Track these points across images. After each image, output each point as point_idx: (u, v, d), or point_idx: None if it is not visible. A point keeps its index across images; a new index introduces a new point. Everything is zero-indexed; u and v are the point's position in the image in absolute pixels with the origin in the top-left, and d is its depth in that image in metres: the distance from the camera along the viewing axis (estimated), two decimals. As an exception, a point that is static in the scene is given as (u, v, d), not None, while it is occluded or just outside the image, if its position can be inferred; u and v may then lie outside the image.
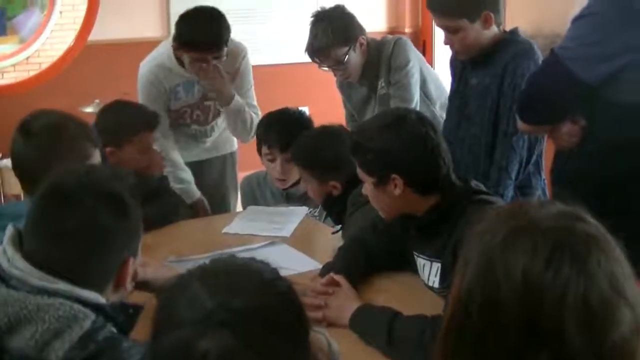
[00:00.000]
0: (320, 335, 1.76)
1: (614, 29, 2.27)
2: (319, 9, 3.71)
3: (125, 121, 3.29)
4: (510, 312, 1.14)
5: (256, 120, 3.82)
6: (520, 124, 2.64)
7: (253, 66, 3.96)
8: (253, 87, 3.97)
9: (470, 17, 2.96)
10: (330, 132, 3.13)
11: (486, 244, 1.20)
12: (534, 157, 3.08)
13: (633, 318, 1.14)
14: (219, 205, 4.05)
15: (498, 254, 1.17)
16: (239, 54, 3.86)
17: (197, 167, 4.01)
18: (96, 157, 2.37)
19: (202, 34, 3.56)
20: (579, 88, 2.35)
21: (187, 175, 3.90)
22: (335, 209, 3.04)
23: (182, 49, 3.61)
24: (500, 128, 3.00)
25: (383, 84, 3.70)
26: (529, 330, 1.13)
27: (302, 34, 3.73)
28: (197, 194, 3.92)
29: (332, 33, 3.59)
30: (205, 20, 3.59)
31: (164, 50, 3.75)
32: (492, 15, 2.98)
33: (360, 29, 3.70)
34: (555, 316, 1.12)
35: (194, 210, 3.85)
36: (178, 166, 3.86)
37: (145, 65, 3.81)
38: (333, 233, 3.03)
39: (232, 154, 4.23)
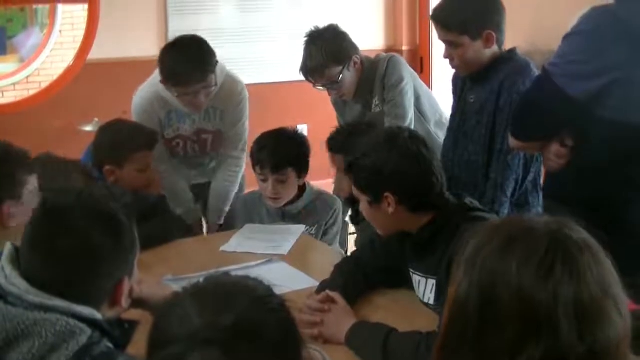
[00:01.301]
0: (316, 353, 1.78)
1: (600, 47, 2.29)
2: (312, 29, 3.73)
3: (125, 140, 3.29)
4: (507, 310, 1.19)
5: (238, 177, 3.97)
6: (511, 140, 2.65)
7: (252, 84, 3.96)
8: (247, 125, 3.90)
9: (471, 35, 2.97)
10: (370, 125, 3.23)
11: (483, 249, 1.25)
12: (532, 175, 3.09)
13: (622, 323, 1.20)
14: (227, 226, 4.04)
15: (495, 259, 1.23)
16: (238, 91, 3.83)
17: (200, 190, 4.02)
18: (32, 183, 2.38)
19: (184, 68, 3.48)
20: (567, 104, 2.37)
21: (184, 202, 3.92)
22: (357, 206, 3.03)
23: (167, 84, 3.55)
24: (495, 146, 3.01)
25: (377, 102, 3.71)
26: (526, 325, 1.18)
27: (300, 52, 3.75)
28: (196, 218, 3.98)
29: (325, 53, 3.61)
30: (186, 53, 3.51)
31: (158, 79, 3.64)
32: (494, 35, 2.99)
33: (353, 48, 3.72)
34: (550, 312, 1.17)
35: (193, 232, 3.90)
36: (178, 192, 3.89)
37: (139, 94, 3.78)
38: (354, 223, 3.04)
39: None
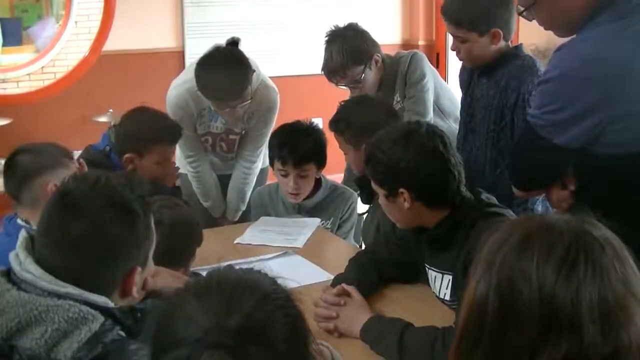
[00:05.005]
0: (324, 348, 1.76)
1: (572, 92, 2.19)
2: (332, 28, 3.69)
3: (148, 130, 3.23)
4: (527, 309, 1.15)
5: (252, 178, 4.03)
6: (515, 190, 2.60)
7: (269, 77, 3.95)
8: (270, 132, 3.80)
9: (480, 31, 3.00)
10: (365, 99, 3.24)
11: (502, 248, 1.22)
12: None
13: None
14: (242, 218, 4.06)
15: (514, 257, 1.19)
16: (269, 99, 3.85)
17: (226, 180, 4.06)
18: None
19: (221, 89, 3.53)
20: (559, 152, 2.26)
21: (213, 196, 4.02)
22: (366, 188, 3.00)
23: (203, 95, 3.60)
24: (506, 143, 2.98)
25: (398, 98, 3.69)
26: (547, 324, 1.14)
27: (315, 45, 3.72)
28: (219, 213, 4.05)
29: (346, 53, 3.59)
30: (224, 73, 3.51)
31: (193, 75, 3.65)
32: (501, 32, 3.00)
33: (374, 46, 3.68)
34: (572, 311, 1.13)
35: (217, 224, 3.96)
36: (209, 187, 4.00)
37: (175, 89, 3.80)
38: (360, 215, 3.00)
39: (262, 170, 4.17)
